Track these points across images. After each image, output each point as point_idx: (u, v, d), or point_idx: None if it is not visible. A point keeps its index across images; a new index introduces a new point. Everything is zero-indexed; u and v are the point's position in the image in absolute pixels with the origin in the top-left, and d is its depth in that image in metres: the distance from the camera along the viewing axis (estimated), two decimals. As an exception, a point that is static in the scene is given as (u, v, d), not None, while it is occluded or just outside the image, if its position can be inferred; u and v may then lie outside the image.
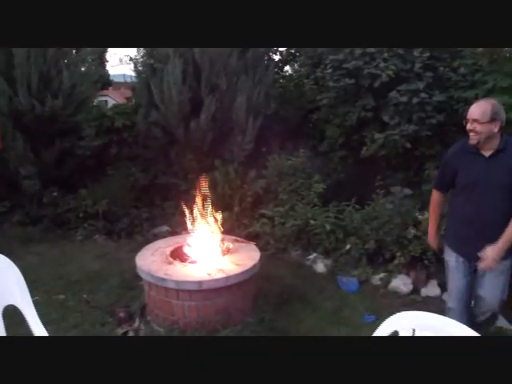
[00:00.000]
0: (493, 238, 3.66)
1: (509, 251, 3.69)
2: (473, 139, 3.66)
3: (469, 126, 3.66)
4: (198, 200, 5.11)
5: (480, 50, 6.51)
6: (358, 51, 6.52)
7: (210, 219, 5.08)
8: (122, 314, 4.84)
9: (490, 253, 3.63)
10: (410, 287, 5.75)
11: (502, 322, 4.80)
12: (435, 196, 4.26)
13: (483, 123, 3.57)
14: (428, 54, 6.33)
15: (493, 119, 3.56)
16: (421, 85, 6.21)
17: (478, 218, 3.79)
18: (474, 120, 3.61)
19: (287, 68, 10.15)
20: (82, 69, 8.55)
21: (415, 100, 6.17)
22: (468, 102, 6.21)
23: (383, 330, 2.49)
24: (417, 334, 2.46)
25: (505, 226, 3.63)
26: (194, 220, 5.14)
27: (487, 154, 3.68)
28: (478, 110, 3.62)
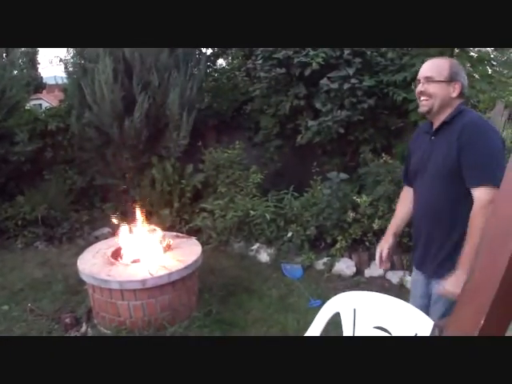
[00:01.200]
0: (439, 246, 2.88)
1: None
2: (423, 106, 2.88)
3: (419, 88, 2.88)
4: (136, 199, 5.12)
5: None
6: (286, 41, 6.58)
7: (149, 217, 5.08)
8: (68, 320, 4.81)
9: (450, 287, 2.59)
10: (354, 269, 5.89)
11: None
12: (402, 190, 3.43)
13: (438, 82, 2.81)
14: (356, 41, 6.44)
15: (452, 79, 2.80)
16: (350, 71, 6.30)
17: (418, 217, 3.10)
18: (427, 78, 2.85)
19: (221, 61, 10.16)
20: (15, 72, 8.37)
21: (346, 86, 6.27)
22: (397, 86, 6.38)
23: (325, 312, 2.57)
24: (357, 314, 2.54)
25: (453, 228, 2.80)
26: (133, 219, 5.14)
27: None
28: (431, 65, 2.87)
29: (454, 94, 2.80)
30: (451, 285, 2.58)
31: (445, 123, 2.83)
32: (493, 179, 2.51)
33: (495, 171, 2.53)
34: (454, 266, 2.60)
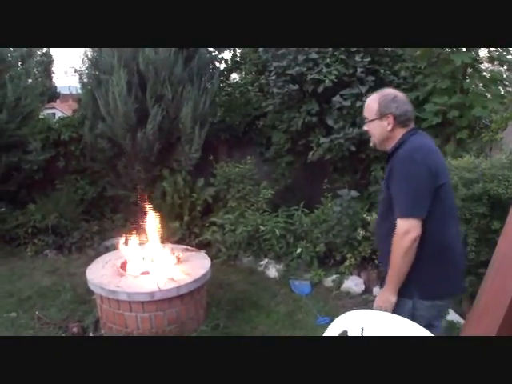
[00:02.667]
0: (385, 265, 2.95)
1: (405, 290, 2.85)
2: (371, 142, 3.08)
3: (364, 127, 3.09)
4: (147, 211, 5.13)
5: (418, 52, 6.69)
6: (301, 57, 6.60)
7: (159, 229, 5.10)
8: (75, 329, 4.83)
9: (376, 300, 2.93)
10: (362, 287, 5.86)
11: (453, 316, 4.91)
12: None
13: (371, 121, 2.95)
14: (369, 59, 6.43)
15: (382, 114, 2.89)
16: (363, 89, 6.31)
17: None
18: (364, 119, 3.04)
19: (234, 76, 10.20)
20: (30, 80, 8.44)
21: (358, 104, 6.26)
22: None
23: (333, 329, 2.56)
24: (365, 333, 2.54)
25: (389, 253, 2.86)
26: (143, 231, 5.15)
27: None
28: (365, 106, 3.02)
29: (389, 127, 2.89)
30: (377, 299, 2.92)
31: (390, 155, 2.94)
32: (404, 211, 2.72)
33: (407, 203, 2.72)
34: None
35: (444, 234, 2.82)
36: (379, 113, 2.89)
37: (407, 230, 2.67)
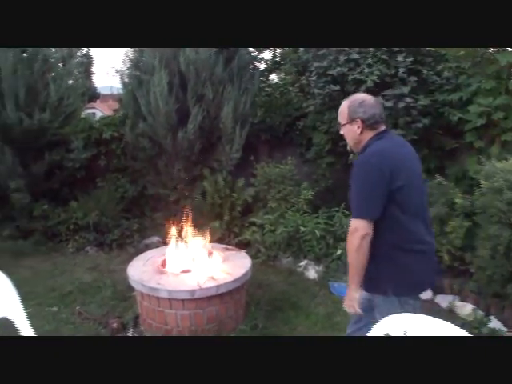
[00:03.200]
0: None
1: (372, 286, 3.05)
2: (348, 146, 3.26)
3: (340, 132, 3.25)
4: (188, 210, 5.15)
5: (462, 52, 6.60)
6: (342, 58, 6.56)
7: (199, 229, 5.12)
8: (115, 325, 4.87)
9: (345, 298, 3.10)
10: (401, 291, 5.79)
11: (495, 323, 4.84)
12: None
13: (343, 125, 3.13)
14: (412, 59, 6.36)
15: (351, 119, 3.05)
16: (405, 89, 6.24)
17: None
18: (338, 124, 3.21)
19: (273, 76, 10.20)
20: (69, 82, 8.56)
21: (400, 105, 6.20)
22: (453, 105, 6.30)
23: (376, 332, 2.54)
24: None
25: None
26: (184, 230, 5.17)
27: None
28: (338, 112, 3.18)
29: (359, 131, 3.04)
30: (344, 299, 3.08)
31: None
32: (355, 211, 2.89)
33: (358, 204, 2.90)
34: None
35: (404, 233, 2.93)
36: (349, 117, 3.07)
37: (356, 228, 2.84)
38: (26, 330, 2.83)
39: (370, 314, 3.10)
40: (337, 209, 6.87)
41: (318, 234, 6.40)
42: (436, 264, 3.28)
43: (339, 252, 6.32)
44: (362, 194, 2.89)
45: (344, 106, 3.11)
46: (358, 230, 2.82)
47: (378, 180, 2.82)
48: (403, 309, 2.86)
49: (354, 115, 3.03)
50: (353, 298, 2.99)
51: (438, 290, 5.60)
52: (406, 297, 2.99)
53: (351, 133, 3.08)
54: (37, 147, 7.81)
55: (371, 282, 3.00)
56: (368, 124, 3.02)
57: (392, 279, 2.95)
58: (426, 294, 5.63)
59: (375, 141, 3.00)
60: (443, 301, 5.52)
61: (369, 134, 3.04)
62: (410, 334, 2.44)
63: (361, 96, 3.15)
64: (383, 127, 3.08)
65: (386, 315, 2.63)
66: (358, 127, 3.03)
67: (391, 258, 2.95)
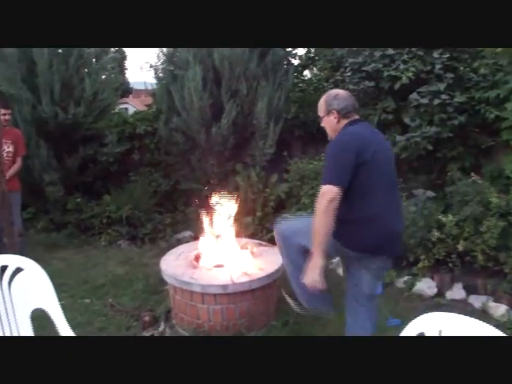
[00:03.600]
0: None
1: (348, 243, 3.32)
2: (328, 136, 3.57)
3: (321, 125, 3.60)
4: (220, 205, 5.15)
5: (499, 49, 6.49)
6: (377, 54, 6.51)
7: (233, 224, 5.11)
8: (147, 318, 4.88)
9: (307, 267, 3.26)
10: (435, 290, 5.71)
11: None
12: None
13: (322, 118, 3.48)
14: (448, 55, 6.28)
15: (328, 111, 3.42)
16: (441, 86, 6.16)
17: None
18: (319, 118, 3.56)
19: (306, 72, 10.16)
20: (103, 76, 8.64)
21: (436, 101, 6.13)
22: (489, 103, 6.20)
23: (409, 331, 2.50)
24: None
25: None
26: (216, 225, 5.17)
27: None
28: (318, 106, 3.55)
29: (336, 121, 3.40)
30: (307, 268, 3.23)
31: None
32: (324, 179, 3.13)
33: (328, 173, 3.16)
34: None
35: (368, 204, 3.23)
36: (326, 110, 3.43)
37: (324, 192, 3.07)
38: (60, 321, 2.84)
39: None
40: (370, 206, 6.81)
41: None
42: (394, 237, 3.43)
43: (371, 248, 6.26)
44: (332, 165, 3.19)
45: (321, 100, 3.48)
46: (327, 194, 3.05)
47: (346, 154, 3.14)
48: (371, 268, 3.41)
49: (329, 107, 3.39)
50: (317, 265, 3.15)
51: (471, 290, 5.52)
52: (374, 256, 3.37)
53: (329, 123, 3.44)
54: (71, 141, 7.92)
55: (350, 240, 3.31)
56: (342, 114, 3.37)
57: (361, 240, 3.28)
58: (459, 294, 5.57)
59: (347, 127, 3.35)
60: (476, 301, 5.43)
61: (344, 122, 3.38)
62: (444, 333, 2.40)
63: (334, 91, 3.53)
64: (356, 116, 3.44)
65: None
66: (335, 117, 3.38)
67: (361, 226, 3.26)
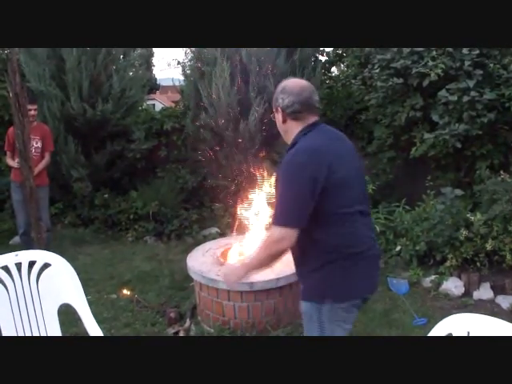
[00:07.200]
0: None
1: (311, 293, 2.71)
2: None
3: None
4: (248, 201, 5.13)
5: (531, 46, 6.39)
6: (405, 50, 6.44)
7: (260, 220, 5.09)
8: (172, 314, 4.89)
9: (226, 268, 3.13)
10: (462, 290, 5.64)
11: None
12: None
13: (273, 113, 2.79)
14: (477, 52, 6.18)
15: (275, 107, 2.71)
16: (471, 83, 6.08)
17: None
18: None
19: (334, 69, 10.12)
20: (131, 73, 8.69)
21: (465, 98, 6.04)
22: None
23: (437, 332, 2.47)
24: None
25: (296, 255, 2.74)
26: (244, 221, 5.16)
27: None
28: None
29: (281, 120, 2.69)
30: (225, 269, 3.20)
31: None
32: (279, 219, 2.52)
33: (283, 211, 2.53)
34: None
35: (337, 236, 2.59)
36: (274, 106, 2.72)
37: (283, 237, 2.48)
38: (86, 316, 2.86)
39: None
40: (397, 204, 6.78)
41: (377, 229, 6.30)
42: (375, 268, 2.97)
43: (398, 248, 6.20)
44: (287, 199, 2.54)
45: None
46: (285, 240, 2.48)
47: (306, 183, 2.47)
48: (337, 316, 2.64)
49: (275, 103, 2.70)
50: (238, 276, 2.80)
51: (499, 290, 5.45)
52: (347, 302, 2.67)
53: (278, 123, 2.75)
54: (99, 137, 7.99)
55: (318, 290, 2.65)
56: (288, 113, 2.64)
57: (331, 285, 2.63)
58: (487, 294, 5.50)
59: (301, 137, 2.64)
60: (504, 301, 5.36)
61: (294, 125, 2.67)
62: (472, 334, 2.37)
63: (285, 81, 2.75)
64: (313, 119, 2.68)
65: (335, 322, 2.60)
66: (281, 117, 2.67)
67: (332, 263, 2.60)
